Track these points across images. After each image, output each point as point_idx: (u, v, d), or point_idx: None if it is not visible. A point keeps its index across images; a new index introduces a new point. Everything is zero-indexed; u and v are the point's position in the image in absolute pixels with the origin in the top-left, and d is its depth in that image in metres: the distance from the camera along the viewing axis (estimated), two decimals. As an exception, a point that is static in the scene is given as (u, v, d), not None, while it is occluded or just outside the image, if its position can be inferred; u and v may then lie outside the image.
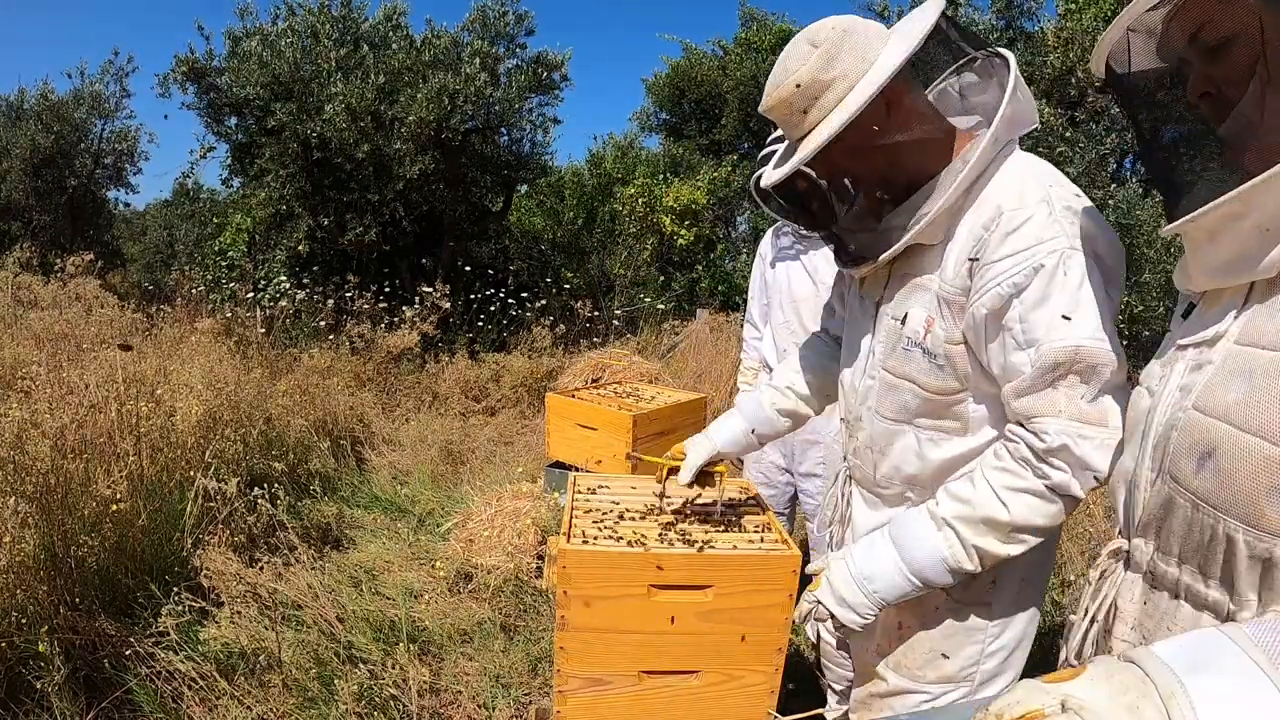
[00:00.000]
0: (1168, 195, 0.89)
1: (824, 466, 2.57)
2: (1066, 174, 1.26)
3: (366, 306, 6.95)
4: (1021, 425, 1.16)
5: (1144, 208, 6.52)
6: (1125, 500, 0.98)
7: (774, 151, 2.41)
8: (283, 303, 6.83)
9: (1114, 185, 7.05)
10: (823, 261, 2.48)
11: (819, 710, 1.47)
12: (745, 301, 2.88)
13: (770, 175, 1.32)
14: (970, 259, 1.18)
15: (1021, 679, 0.72)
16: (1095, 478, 1.13)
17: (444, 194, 8.20)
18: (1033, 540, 1.19)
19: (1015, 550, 1.19)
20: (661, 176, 10.14)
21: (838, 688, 1.80)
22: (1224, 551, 0.82)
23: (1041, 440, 1.12)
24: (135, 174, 11.07)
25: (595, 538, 1.45)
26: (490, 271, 8.44)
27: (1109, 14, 7.15)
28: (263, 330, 6.22)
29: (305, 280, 7.51)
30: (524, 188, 10.17)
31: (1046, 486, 1.14)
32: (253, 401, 4.10)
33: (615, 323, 8.34)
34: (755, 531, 1.56)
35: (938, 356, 1.24)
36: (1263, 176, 0.75)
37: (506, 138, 8.81)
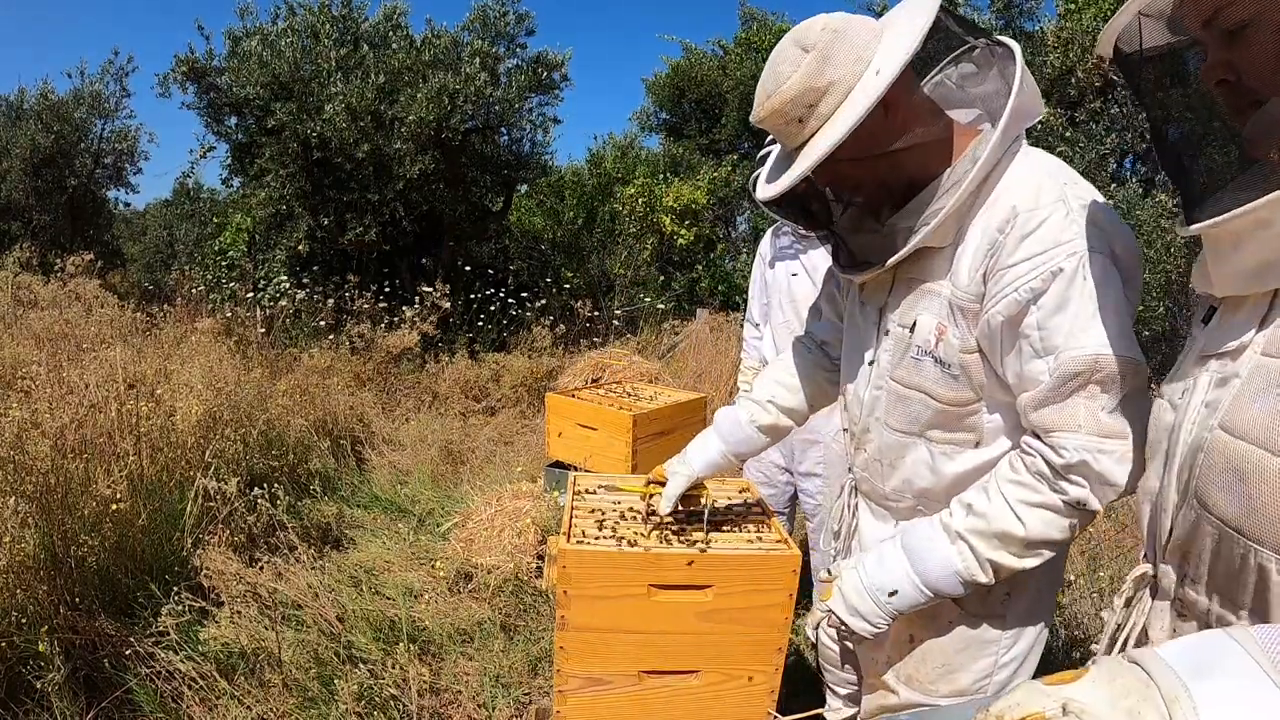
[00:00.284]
0: (1185, 193, 0.83)
1: (824, 466, 2.57)
2: None
3: (366, 306, 6.95)
4: (1038, 438, 1.11)
5: (1144, 208, 6.52)
6: (1150, 522, 0.93)
7: (772, 151, 2.40)
8: (283, 303, 6.84)
9: (1114, 185, 7.05)
10: (822, 260, 2.48)
11: (819, 710, 1.47)
12: (745, 301, 2.88)
13: (766, 189, 1.24)
14: (985, 264, 1.12)
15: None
16: (1114, 492, 1.10)
17: (444, 194, 8.20)
18: (1048, 554, 1.16)
19: (1030, 564, 1.16)
20: (661, 176, 10.14)
21: (838, 690, 1.80)
22: (1255, 582, 0.78)
23: (1060, 455, 1.08)
24: (135, 174, 11.09)
25: (595, 538, 1.45)
26: (490, 271, 8.44)
27: (1108, 13, 7.14)
28: (263, 330, 6.22)
29: (305, 280, 7.52)
30: (524, 188, 10.17)
31: (1063, 502, 1.10)
32: (253, 401, 4.10)
33: (615, 323, 8.34)
34: (755, 531, 1.56)
35: (952, 366, 1.19)
36: None
37: (506, 138, 8.82)
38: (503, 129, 8.62)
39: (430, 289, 6.98)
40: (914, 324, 1.23)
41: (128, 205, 12.07)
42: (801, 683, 2.37)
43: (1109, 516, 3.58)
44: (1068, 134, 7.18)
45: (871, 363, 1.33)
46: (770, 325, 2.66)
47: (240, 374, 4.42)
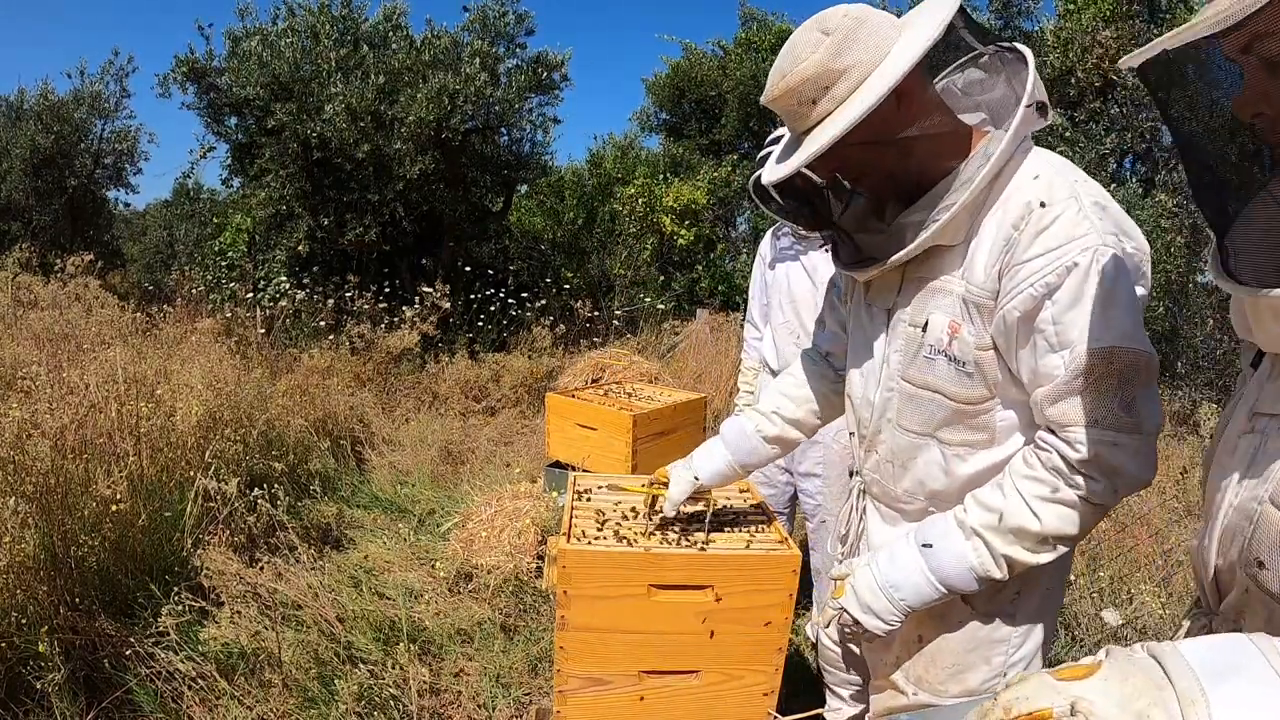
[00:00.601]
0: (1219, 239, 0.76)
1: (823, 466, 2.57)
2: None
3: (366, 306, 6.95)
4: (1053, 433, 1.12)
5: (1144, 207, 6.53)
6: (1201, 580, 0.91)
7: (773, 152, 2.40)
8: (283, 303, 6.83)
9: (1114, 185, 7.06)
10: (822, 261, 2.48)
11: (819, 710, 1.47)
12: (745, 301, 2.88)
13: (774, 171, 1.24)
14: (1000, 260, 1.13)
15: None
16: (1130, 485, 1.10)
17: (444, 194, 8.20)
18: (1063, 549, 1.16)
19: (1045, 559, 1.16)
20: (661, 176, 10.14)
21: (840, 690, 1.80)
22: None
23: (1075, 450, 1.08)
24: (135, 174, 11.09)
25: (595, 538, 1.45)
26: (490, 271, 8.43)
27: (1108, 14, 7.16)
28: (263, 330, 6.22)
29: (305, 280, 7.51)
30: (524, 188, 10.17)
31: (1079, 497, 1.10)
32: (253, 401, 4.10)
33: (615, 323, 8.34)
34: (755, 532, 1.56)
35: (966, 364, 1.19)
36: None
37: (506, 138, 8.81)
38: (503, 129, 8.62)
39: (430, 289, 6.98)
40: (926, 323, 1.23)
41: (128, 205, 12.08)
42: (801, 683, 2.37)
43: (1109, 516, 3.59)
44: (1068, 134, 7.19)
45: (882, 364, 1.33)
46: (771, 326, 2.66)
47: (240, 374, 4.42)
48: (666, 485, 1.57)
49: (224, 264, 8.75)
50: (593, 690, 1.42)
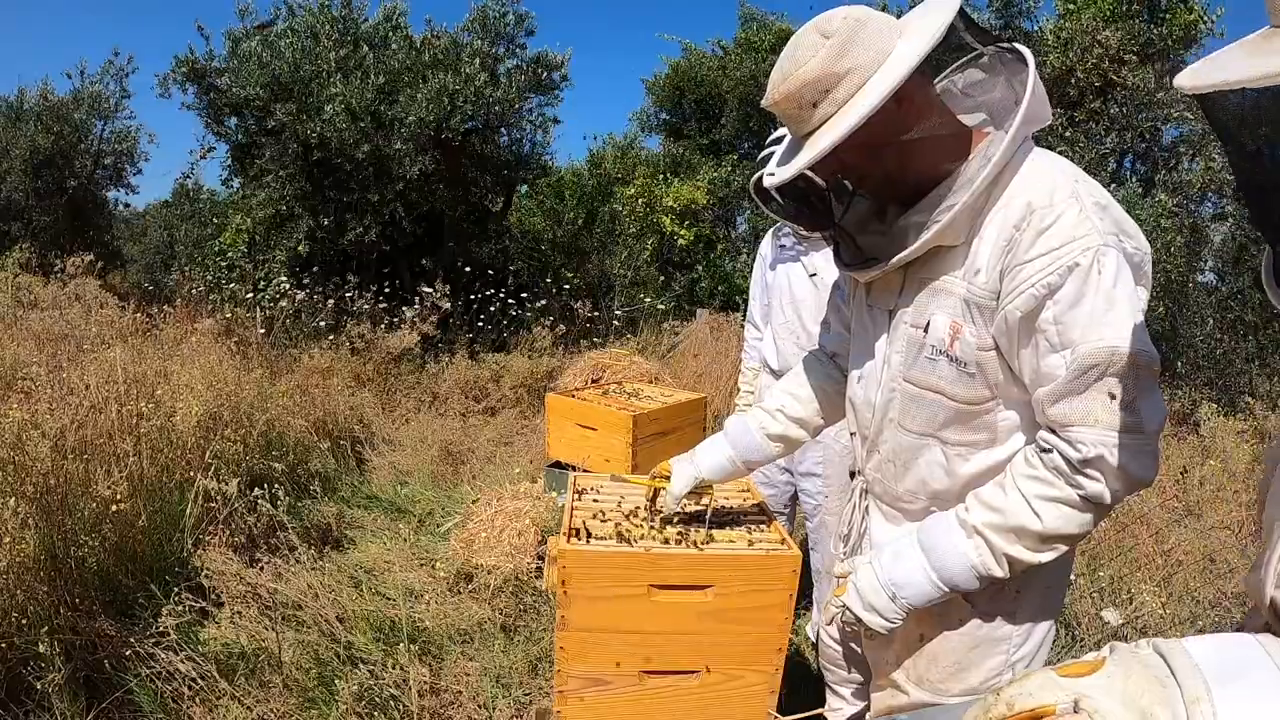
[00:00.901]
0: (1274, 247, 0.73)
1: (823, 466, 2.57)
2: None
3: (366, 307, 6.95)
4: (1055, 433, 1.12)
5: (1144, 207, 6.53)
6: (1260, 608, 0.88)
7: (774, 152, 2.40)
8: (283, 303, 6.83)
9: (1114, 185, 7.06)
10: (823, 262, 2.48)
11: (819, 710, 1.47)
12: (745, 301, 2.88)
13: (776, 174, 1.24)
14: (1002, 260, 1.13)
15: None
16: (1131, 485, 1.11)
17: (444, 194, 8.20)
18: (1064, 548, 1.17)
19: (1046, 558, 1.17)
20: (661, 176, 10.14)
21: (840, 689, 1.80)
22: None
23: (1077, 450, 1.09)
24: (135, 174, 11.10)
25: (596, 536, 1.45)
26: (490, 272, 8.43)
27: (1108, 14, 7.16)
28: (263, 330, 6.22)
29: (305, 280, 7.51)
30: (524, 188, 10.17)
31: (1080, 496, 1.11)
32: (253, 401, 4.10)
33: (615, 323, 8.34)
34: (755, 532, 1.56)
35: (968, 364, 1.19)
36: None
37: (506, 138, 8.81)
38: (503, 129, 8.62)
39: (430, 289, 6.98)
40: (928, 323, 1.23)
41: (128, 206, 12.09)
42: (801, 683, 2.37)
43: (1109, 516, 3.59)
44: (1068, 134, 7.19)
45: (883, 364, 1.33)
46: (771, 327, 2.66)
47: (240, 374, 4.42)
48: (668, 479, 1.57)
49: (224, 264, 8.75)
50: (593, 690, 1.42)
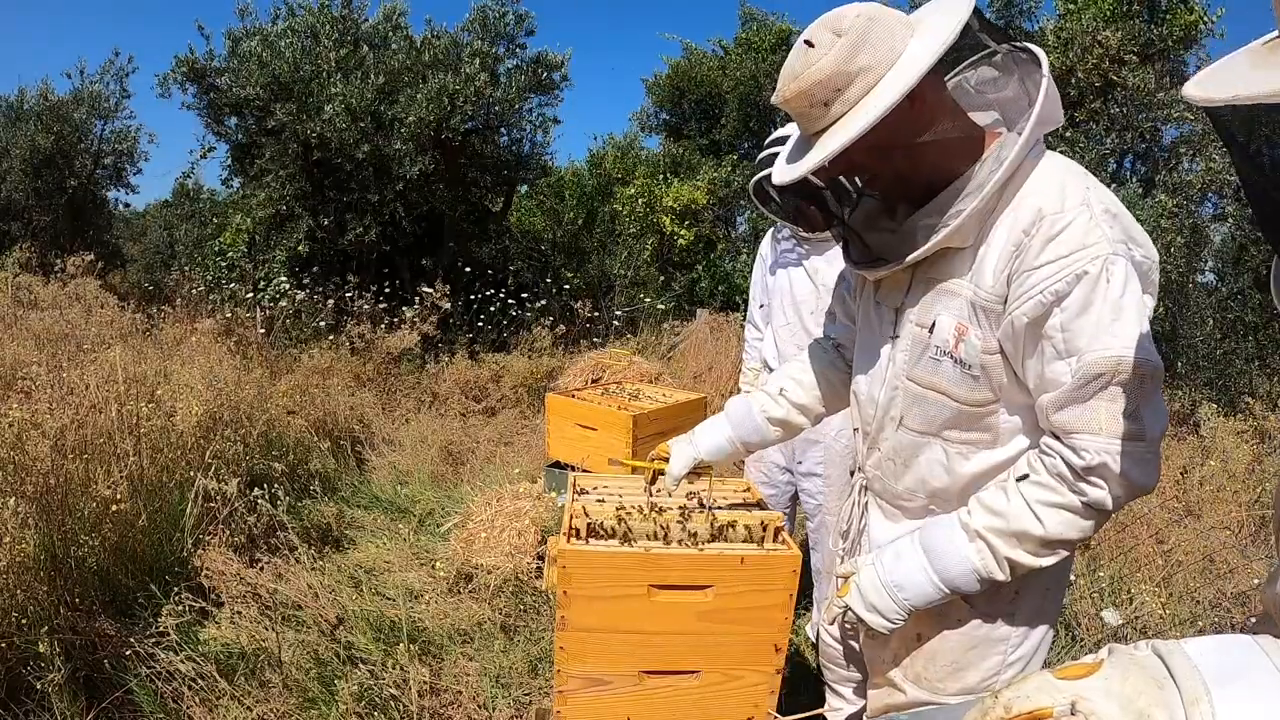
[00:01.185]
0: None
1: (824, 466, 2.57)
2: None
3: (366, 307, 6.95)
4: (1058, 439, 1.13)
5: (1144, 207, 6.53)
6: (1273, 617, 0.88)
7: (774, 153, 2.41)
8: (283, 303, 6.83)
9: (1114, 185, 7.06)
10: (823, 263, 2.48)
11: (819, 710, 1.47)
12: (745, 301, 2.88)
13: (786, 172, 1.22)
14: (1010, 265, 1.13)
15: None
16: (1133, 493, 1.11)
17: (444, 194, 8.19)
18: (1064, 553, 1.18)
19: (1047, 562, 1.17)
20: (661, 176, 10.14)
21: (841, 688, 1.80)
22: None
23: (1080, 457, 1.09)
24: (135, 174, 11.09)
25: (595, 523, 1.45)
26: (490, 272, 8.43)
27: (1108, 13, 7.15)
28: (263, 330, 6.22)
29: (305, 280, 7.51)
30: (524, 188, 10.17)
31: (1082, 503, 1.12)
32: (253, 401, 4.10)
33: (615, 323, 8.34)
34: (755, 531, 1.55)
35: (972, 367, 1.20)
36: None
37: (506, 138, 8.81)
38: (503, 129, 8.62)
39: (430, 289, 6.98)
40: (933, 324, 1.23)
41: (128, 206, 12.08)
42: (801, 683, 2.37)
43: (1110, 517, 3.59)
44: (1068, 134, 7.19)
45: (888, 362, 1.33)
46: (772, 327, 2.66)
47: (240, 374, 4.42)
48: (668, 461, 1.57)
49: (224, 264, 8.75)
50: (593, 690, 1.42)
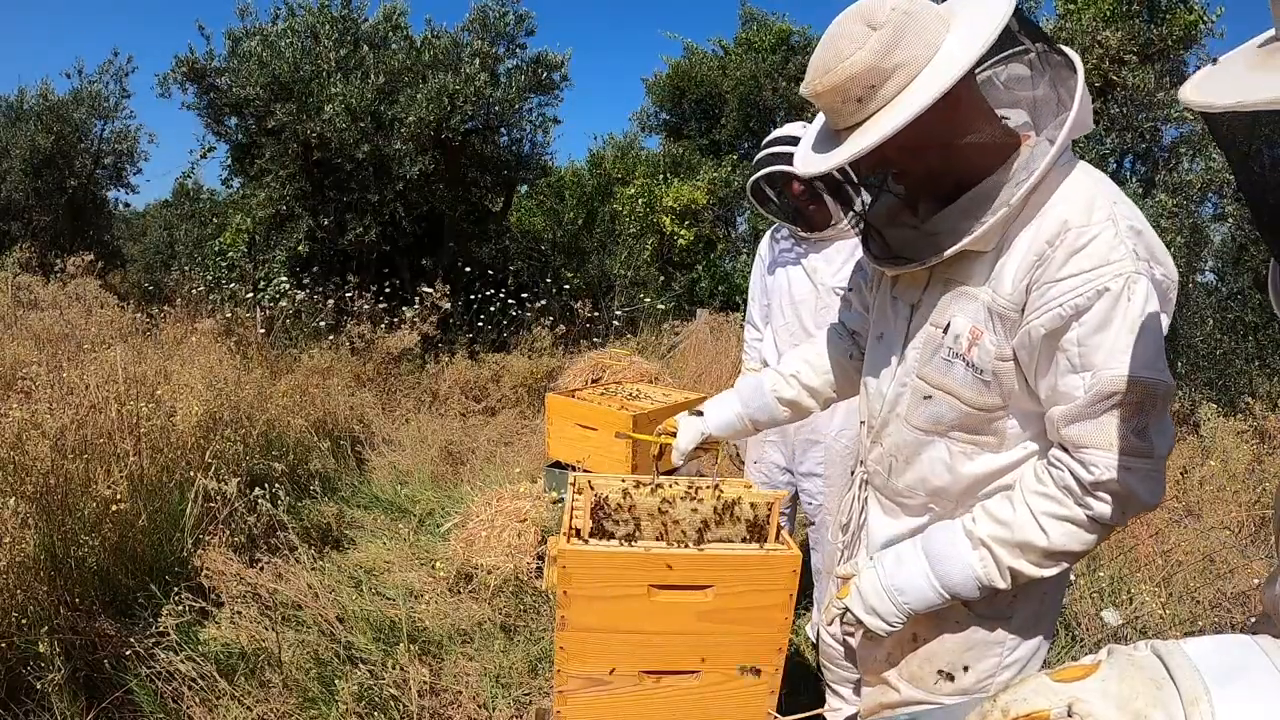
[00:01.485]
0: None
1: (824, 466, 2.57)
2: None
3: (366, 307, 6.94)
4: (1067, 453, 1.13)
5: (1144, 207, 6.52)
6: (1273, 618, 0.89)
7: (773, 153, 2.41)
8: (283, 303, 6.83)
9: (1114, 185, 7.03)
10: (821, 262, 2.48)
11: (819, 710, 1.47)
12: (745, 301, 2.88)
13: (812, 163, 1.20)
14: (1030, 274, 1.12)
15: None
16: (1137, 510, 1.12)
17: (444, 194, 8.19)
18: (1066, 564, 1.19)
19: (1048, 573, 1.18)
20: (661, 176, 10.14)
21: (840, 688, 1.80)
22: None
23: (1089, 472, 1.10)
24: (135, 174, 11.09)
25: (595, 537, 1.45)
26: (490, 272, 8.43)
27: (1108, 13, 7.15)
28: (263, 330, 6.22)
29: (305, 280, 7.51)
30: (524, 188, 10.17)
31: (1088, 516, 1.12)
32: (253, 402, 4.10)
33: (615, 323, 8.34)
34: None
35: (984, 372, 1.19)
36: None
37: (506, 138, 8.80)
38: (503, 129, 8.61)
39: (430, 289, 6.98)
40: (948, 325, 1.22)
41: (128, 206, 12.08)
42: (801, 683, 2.37)
43: (1113, 531, 3.58)
44: (1068, 134, 7.17)
45: (899, 358, 1.33)
46: (771, 328, 2.66)
47: (240, 374, 4.42)
48: (674, 436, 1.56)
49: (224, 264, 8.75)
50: (593, 690, 1.42)
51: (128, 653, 2.27)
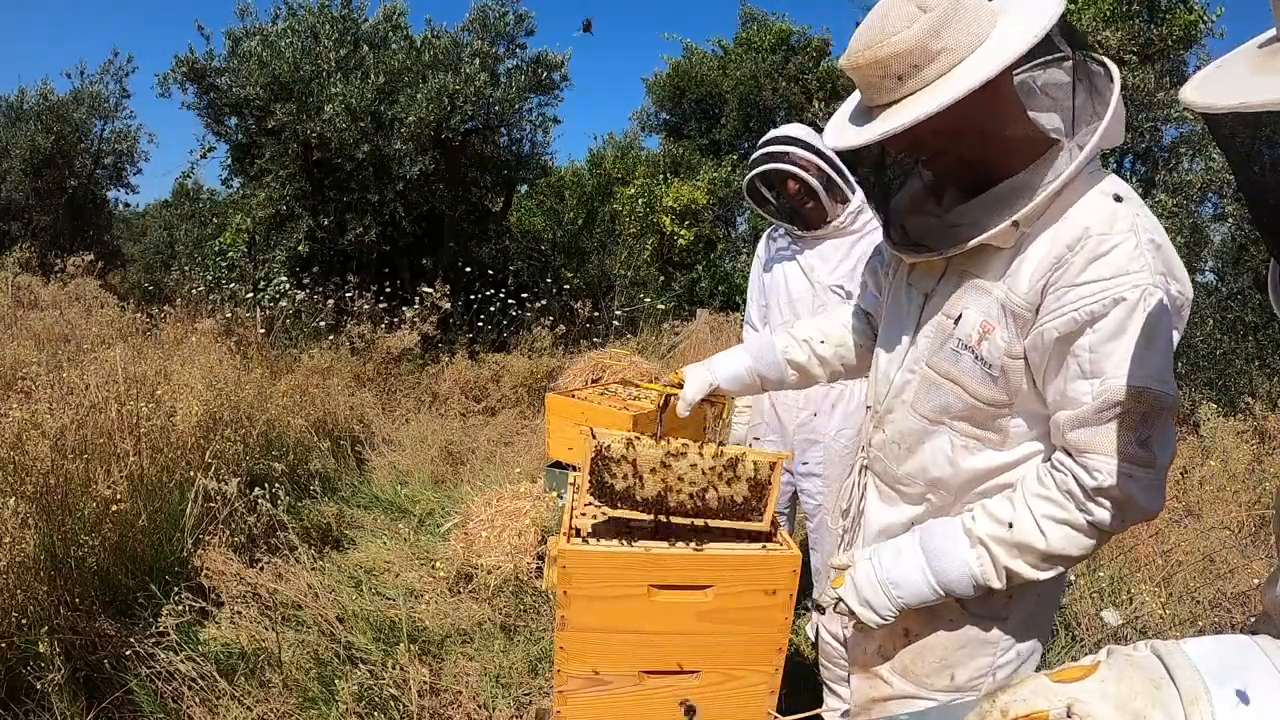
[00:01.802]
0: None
1: (824, 466, 2.57)
2: None
3: (366, 307, 6.94)
4: (1071, 457, 1.14)
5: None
6: (1274, 618, 0.89)
7: (767, 153, 2.43)
8: (283, 303, 6.83)
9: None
10: (818, 261, 2.49)
11: (819, 710, 1.47)
12: (745, 302, 2.89)
13: (846, 136, 1.20)
14: (1048, 276, 1.13)
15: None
16: (1136, 518, 1.13)
17: (444, 194, 8.19)
18: (1062, 568, 1.20)
19: (1044, 576, 1.19)
20: (661, 176, 10.14)
21: (838, 688, 1.80)
22: None
23: (1092, 478, 1.11)
24: (135, 174, 11.10)
25: (595, 537, 1.45)
26: (490, 272, 8.43)
27: (1108, 13, 7.15)
28: (263, 330, 6.22)
29: (305, 280, 7.51)
30: (524, 188, 10.17)
31: (1088, 522, 1.13)
32: (253, 402, 4.10)
33: (615, 323, 8.34)
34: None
35: (992, 366, 1.20)
36: None
37: (506, 138, 8.80)
38: (503, 129, 8.61)
39: (430, 289, 6.98)
40: (960, 316, 1.23)
41: (128, 206, 12.10)
42: (801, 683, 2.37)
43: (1111, 537, 3.58)
44: (1068, 134, 7.17)
45: (909, 345, 1.34)
46: (770, 327, 2.66)
47: (240, 374, 4.42)
48: (680, 388, 1.56)
49: (224, 264, 8.75)
50: (593, 690, 1.42)
51: (128, 653, 2.27)
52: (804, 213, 2.45)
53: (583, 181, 10.85)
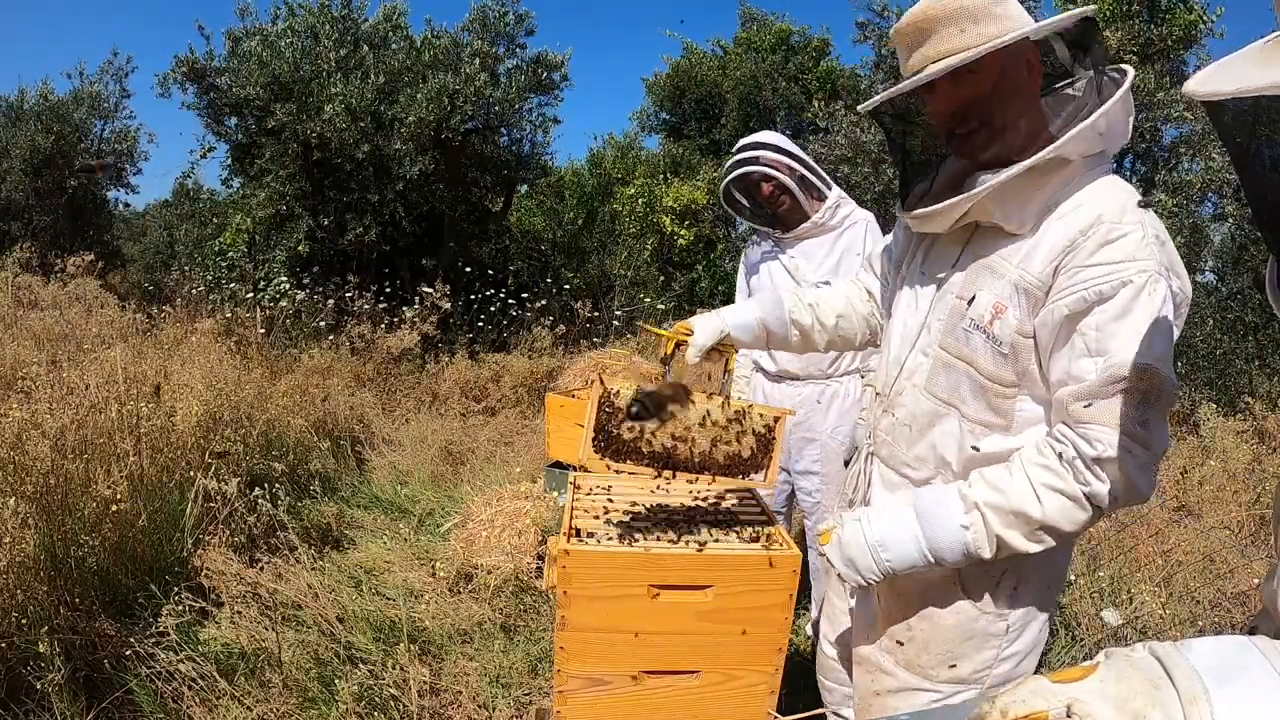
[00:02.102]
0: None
1: (821, 464, 2.58)
2: None
3: (366, 307, 6.94)
4: (1072, 428, 1.16)
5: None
6: (1273, 616, 0.89)
7: (741, 158, 2.48)
8: (283, 303, 6.83)
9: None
10: (803, 260, 2.54)
11: (819, 710, 1.47)
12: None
13: (903, 85, 1.26)
14: (1060, 258, 1.18)
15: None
16: (1130, 496, 1.15)
17: (444, 194, 8.19)
18: (1052, 542, 1.20)
19: (1035, 548, 1.19)
20: (661, 176, 10.14)
21: (841, 711, 1.80)
22: None
23: (1092, 447, 1.13)
24: (135, 174, 11.10)
25: (595, 537, 1.45)
26: (490, 271, 8.43)
27: (1108, 13, 7.15)
28: (263, 330, 6.22)
29: (305, 280, 7.51)
30: (524, 188, 10.17)
31: (1084, 493, 1.15)
32: (253, 402, 4.10)
33: (615, 323, 8.34)
34: (755, 531, 1.55)
35: (1003, 344, 1.23)
36: None
37: (506, 138, 8.81)
38: (503, 129, 8.62)
39: (430, 289, 6.98)
40: (973, 298, 1.27)
41: (127, 206, 12.09)
42: (801, 683, 2.37)
43: (1109, 516, 3.58)
44: (1068, 134, 7.17)
45: (922, 330, 1.36)
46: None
47: (240, 374, 4.42)
48: (690, 335, 1.56)
49: (224, 264, 8.75)
50: (593, 690, 1.42)
51: (128, 653, 2.27)
52: (781, 214, 2.50)
53: (583, 181, 10.86)
